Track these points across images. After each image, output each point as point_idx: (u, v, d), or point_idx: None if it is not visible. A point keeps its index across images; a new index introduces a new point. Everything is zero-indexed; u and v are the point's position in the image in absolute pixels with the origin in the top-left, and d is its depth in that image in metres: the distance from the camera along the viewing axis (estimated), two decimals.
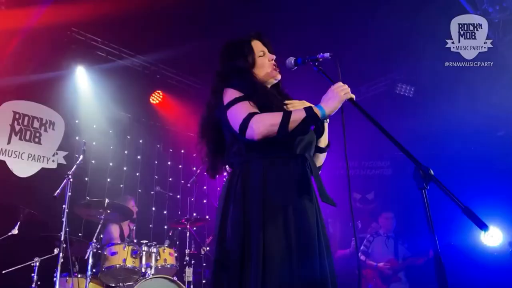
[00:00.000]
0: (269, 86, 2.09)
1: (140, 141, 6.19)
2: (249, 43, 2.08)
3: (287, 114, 1.75)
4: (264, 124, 1.73)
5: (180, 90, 6.22)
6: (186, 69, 6.09)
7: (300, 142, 1.86)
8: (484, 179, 5.05)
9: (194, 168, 6.04)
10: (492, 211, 4.86)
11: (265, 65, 2.04)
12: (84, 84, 5.49)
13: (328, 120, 1.99)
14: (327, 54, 1.91)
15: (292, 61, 2.02)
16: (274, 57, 2.09)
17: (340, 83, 1.83)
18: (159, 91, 6.24)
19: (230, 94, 1.87)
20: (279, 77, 2.08)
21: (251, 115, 1.76)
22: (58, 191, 3.57)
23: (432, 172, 1.46)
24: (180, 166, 6.44)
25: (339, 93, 1.79)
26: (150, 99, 6.22)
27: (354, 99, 1.79)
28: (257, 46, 2.08)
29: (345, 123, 1.86)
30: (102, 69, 5.46)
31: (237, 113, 1.80)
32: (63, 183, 3.67)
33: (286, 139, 1.79)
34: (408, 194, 5.47)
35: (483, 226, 1.31)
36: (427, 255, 4.65)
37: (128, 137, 6.04)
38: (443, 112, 5.28)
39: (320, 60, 1.93)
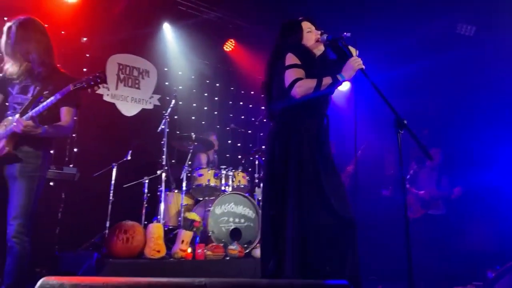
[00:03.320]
0: (317, 53, 2.76)
1: (217, 84, 7.08)
2: (300, 23, 2.78)
3: (320, 81, 2.50)
4: (305, 87, 2.48)
5: (249, 38, 6.80)
6: (254, 19, 6.61)
7: (325, 103, 2.66)
8: None
9: (263, 108, 6.91)
10: None
11: (311, 39, 2.74)
12: (169, 37, 6.43)
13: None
14: (348, 34, 2.60)
15: (325, 37, 2.72)
16: (319, 32, 2.75)
17: (355, 57, 2.55)
18: (232, 40, 6.95)
19: (290, 59, 2.59)
20: (322, 48, 2.75)
21: (296, 80, 2.51)
22: (161, 126, 4.72)
23: (405, 122, 2.21)
24: (250, 106, 7.29)
25: (354, 64, 2.51)
26: (224, 47, 6.97)
27: (364, 69, 2.53)
28: (306, 25, 2.78)
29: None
30: (183, 24, 6.30)
31: (289, 76, 2.54)
32: (163, 122, 4.79)
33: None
34: (458, 133, 5.96)
35: (430, 157, 2.06)
36: (458, 191, 5.27)
37: (207, 81, 6.95)
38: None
39: (344, 38, 2.64)
